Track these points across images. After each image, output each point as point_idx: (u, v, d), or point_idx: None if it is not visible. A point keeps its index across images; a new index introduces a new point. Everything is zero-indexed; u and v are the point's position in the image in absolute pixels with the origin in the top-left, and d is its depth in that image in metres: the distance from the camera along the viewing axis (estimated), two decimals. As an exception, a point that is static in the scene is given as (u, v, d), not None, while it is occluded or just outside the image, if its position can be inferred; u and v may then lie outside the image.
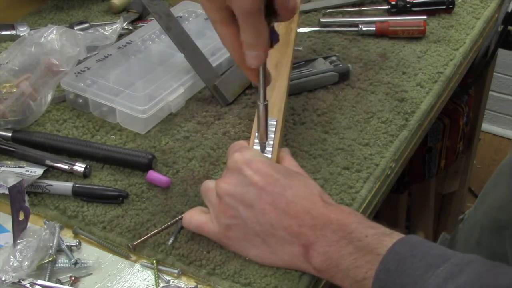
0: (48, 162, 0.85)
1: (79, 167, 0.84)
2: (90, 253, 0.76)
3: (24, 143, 0.88)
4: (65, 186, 0.82)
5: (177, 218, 0.78)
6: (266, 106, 0.79)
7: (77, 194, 0.81)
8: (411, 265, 0.64)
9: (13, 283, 0.70)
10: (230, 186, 0.74)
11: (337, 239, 0.69)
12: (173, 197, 0.82)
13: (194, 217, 0.76)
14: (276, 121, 0.86)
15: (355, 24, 1.15)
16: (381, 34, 1.13)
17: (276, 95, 0.88)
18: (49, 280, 0.72)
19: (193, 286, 0.72)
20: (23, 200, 0.77)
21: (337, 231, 0.69)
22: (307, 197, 0.72)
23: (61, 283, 0.72)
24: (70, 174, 0.85)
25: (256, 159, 0.75)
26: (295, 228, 0.70)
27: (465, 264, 0.63)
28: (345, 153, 0.89)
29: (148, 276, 0.74)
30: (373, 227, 0.69)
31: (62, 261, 0.74)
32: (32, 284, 0.71)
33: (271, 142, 0.83)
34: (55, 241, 0.75)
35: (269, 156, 0.82)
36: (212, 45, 1.02)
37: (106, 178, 0.85)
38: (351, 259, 0.67)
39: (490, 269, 0.63)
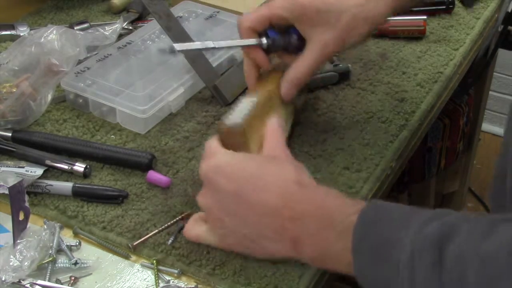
0: (48, 162, 0.85)
1: (79, 167, 0.84)
2: (90, 253, 0.76)
3: (24, 143, 0.88)
4: (65, 186, 0.82)
5: (177, 218, 0.78)
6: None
7: (77, 194, 0.81)
8: (390, 215, 0.64)
9: (13, 283, 0.70)
10: (208, 200, 0.73)
11: (319, 227, 0.67)
12: (173, 197, 0.82)
13: (194, 229, 0.76)
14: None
15: (355, 24, 1.15)
16: (381, 34, 1.13)
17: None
18: (49, 280, 0.72)
19: (193, 286, 0.72)
20: (23, 200, 0.77)
21: (317, 220, 0.68)
22: (282, 186, 0.70)
23: (61, 283, 0.72)
24: (70, 174, 0.85)
25: (223, 163, 0.73)
26: (277, 225, 0.69)
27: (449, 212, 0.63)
28: (345, 153, 0.89)
29: (148, 276, 0.74)
30: (353, 205, 0.67)
31: (62, 261, 0.74)
32: (32, 284, 0.71)
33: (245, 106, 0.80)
34: (55, 241, 0.75)
35: (240, 120, 0.77)
36: (212, 45, 1.02)
37: (106, 178, 0.85)
38: (339, 245, 0.66)
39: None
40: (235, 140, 0.76)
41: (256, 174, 0.72)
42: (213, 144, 0.76)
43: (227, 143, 0.76)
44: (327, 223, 0.67)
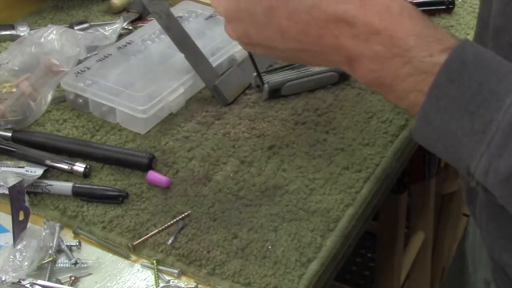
0: (48, 162, 0.85)
1: (79, 167, 0.84)
2: (90, 253, 0.76)
3: (24, 143, 0.88)
4: (65, 186, 0.82)
5: (177, 218, 0.78)
6: None
7: (77, 194, 0.81)
8: (489, 62, 0.52)
9: (13, 283, 0.70)
10: (230, 4, 0.60)
11: (389, 55, 0.55)
12: (173, 197, 0.82)
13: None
14: None
15: (355, 24, 1.15)
16: (381, 34, 1.13)
17: None
18: (49, 280, 0.72)
19: (193, 286, 0.72)
20: (23, 200, 0.77)
21: (388, 46, 0.55)
22: None
23: (61, 283, 0.72)
24: (70, 174, 0.85)
25: None
26: (330, 40, 0.56)
27: None
28: (345, 153, 0.89)
29: (148, 276, 0.74)
30: (439, 40, 0.54)
31: (62, 261, 0.74)
32: (32, 284, 0.71)
33: None
34: (55, 241, 0.75)
35: None
36: (212, 45, 1.02)
37: (106, 178, 0.85)
38: (410, 81, 0.54)
39: None
40: None
41: None
42: None
43: None
44: (397, 52, 0.54)
